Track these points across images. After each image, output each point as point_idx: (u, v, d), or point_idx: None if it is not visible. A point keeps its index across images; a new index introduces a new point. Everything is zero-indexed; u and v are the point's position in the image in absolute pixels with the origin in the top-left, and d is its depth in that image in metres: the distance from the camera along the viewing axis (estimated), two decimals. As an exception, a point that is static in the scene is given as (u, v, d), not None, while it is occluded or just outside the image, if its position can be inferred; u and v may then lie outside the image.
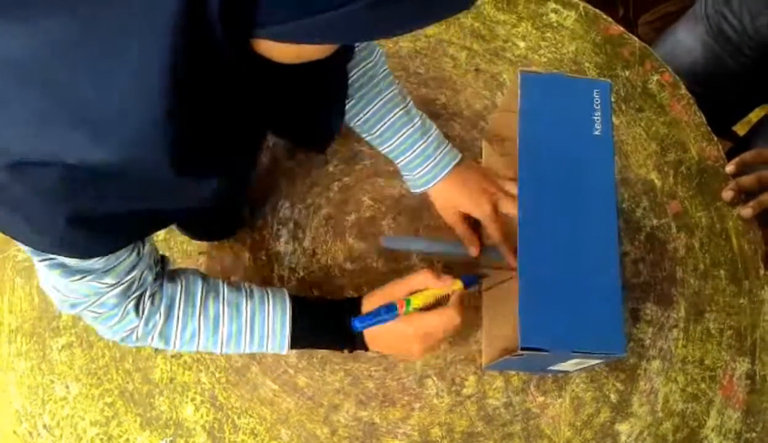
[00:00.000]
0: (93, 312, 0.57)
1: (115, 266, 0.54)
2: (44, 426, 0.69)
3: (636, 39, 0.93)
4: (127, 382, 0.71)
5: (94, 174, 0.41)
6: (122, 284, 0.56)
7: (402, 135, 0.73)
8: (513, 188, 0.76)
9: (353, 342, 0.66)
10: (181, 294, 0.62)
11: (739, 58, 0.98)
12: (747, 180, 0.82)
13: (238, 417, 0.70)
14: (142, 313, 0.60)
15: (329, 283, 0.76)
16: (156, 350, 0.72)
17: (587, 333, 0.59)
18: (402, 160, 0.75)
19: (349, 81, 0.69)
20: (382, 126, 0.73)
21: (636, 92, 0.90)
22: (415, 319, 0.63)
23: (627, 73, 0.91)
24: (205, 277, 0.64)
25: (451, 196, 0.75)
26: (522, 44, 0.91)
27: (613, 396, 0.74)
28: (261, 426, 0.70)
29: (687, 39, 1.03)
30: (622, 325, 0.60)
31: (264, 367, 0.72)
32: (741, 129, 1.21)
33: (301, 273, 0.76)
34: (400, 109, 0.73)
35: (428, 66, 0.89)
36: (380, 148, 0.75)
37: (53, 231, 0.45)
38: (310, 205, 0.80)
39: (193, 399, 0.71)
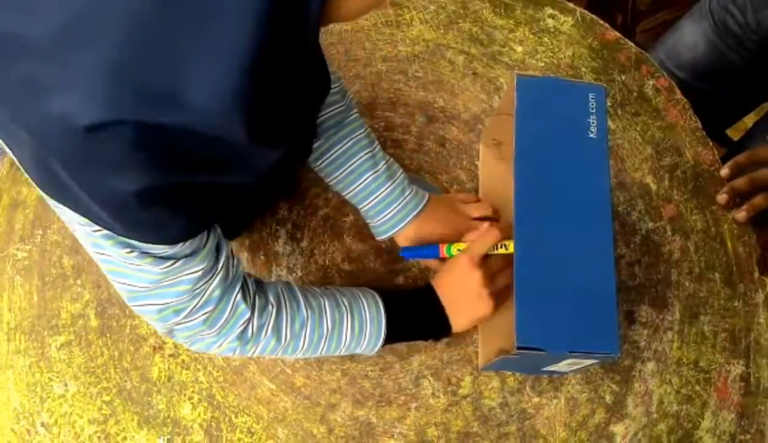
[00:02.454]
0: (202, 313, 0.56)
1: (201, 248, 0.54)
2: (42, 424, 0.69)
3: (632, 44, 0.94)
4: (125, 381, 0.71)
5: (164, 135, 0.40)
6: (218, 271, 0.56)
7: (366, 179, 0.72)
8: (476, 211, 0.77)
9: (441, 322, 0.70)
10: (282, 290, 0.64)
11: (741, 51, 0.99)
12: (740, 182, 0.83)
13: (236, 416, 0.71)
14: (253, 305, 0.60)
15: (327, 284, 0.76)
16: (155, 349, 0.73)
17: (583, 333, 0.60)
18: (365, 206, 0.73)
19: (318, 121, 0.69)
20: (346, 169, 0.72)
21: (632, 97, 0.90)
22: (479, 261, 0.69)
23: (623, 77, 0.92)
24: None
25: (417, 239, 0.74)
26: (519, 49, 0.92)
27: (608, 398, 0.74)
28: (258, 425, 0.70)
29: (690, 35, 1.04)
30: (617, 326, 0.60)
31: (261, 367, 0.73)
32: (735, 135, 1.22)
33: (299, 274, 0.77)
34: (366, 153, 0.72)
35: (426, 69, 0.89)
36: (344, 193, 0.74)
37: (125, 209, 0.45)
38: (309, 206, 0.80)
39: (190, 398, 0.71)
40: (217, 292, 0.56)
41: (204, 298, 0.56)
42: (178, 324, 0.57)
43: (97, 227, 0.48)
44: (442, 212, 0.75)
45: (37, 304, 0.74)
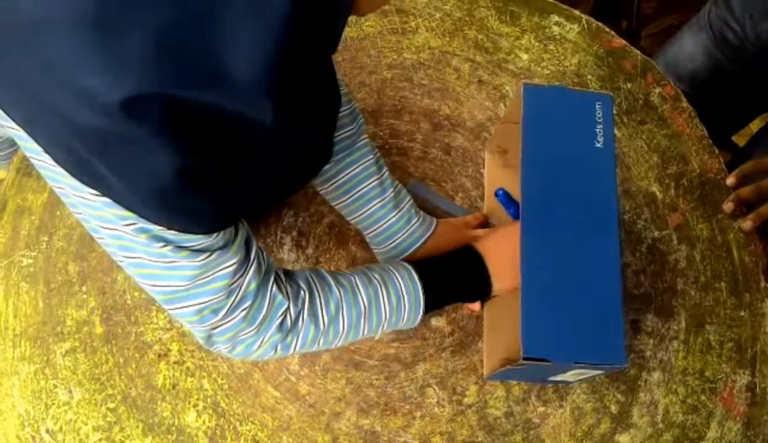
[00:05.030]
0: (240, 310, 0.55)
1: (232, 240, 0.53)
2: (47, 431, 0.69)
3: (638, 52, 0.94)
4: (130, 388, 0.71)
5: (196, 109, 0.40)
6: (251, 263, 0.55)
7: (373, 206, 0.71)
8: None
9: (482, 283, 0.68)
10: (310, 274, 0.62)
11: (740, 63, 0.99)
12: (746, 191, 0.83)
13: (240, 424, 0.70)
14: (288, 293, 0.59)
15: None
16: (160, 356, 0.73)
17: (589, 343, 0.60)
18: (370, 232, 0.73)
19: None
20: (354, 194, 0.71)
21: (638, 105, 0.90)
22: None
23: (629, 85, 0.91)
24: None
25: None
26: (525, 56, 0.92)
27: (613, 407, 0.74)
28: (262, 433, 0.70)
29: (690, 47, 1.04)
30: (623, 336, 0.60)
31: (266, 374, 0.73)
32: (741, 141, 1.22)
33: (304, 281, 0.77)
34: (374, 180, 0.71)
35: (432, 77, 0.89)
36: (349, 218, 0.74)
37: (159, 193, 0.44)
38: (314, 214, 0.80)
39: (195, 406, 0.71)
40: (253, 285, 0.55)
41: (241, 294, 0.55)
42: (218, 326, 0.55)
43: (130, 221, 0.47)
44: (449, 240, 0.74)
45: (42, 311, 0.74)
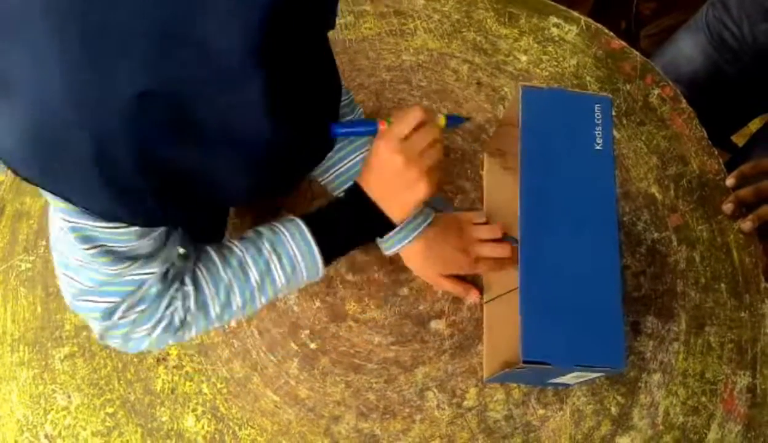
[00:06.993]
0: (133, 312, 0.56)
1: (161, 250, 0.54)
2: (46, 436, 0.69)
3: (637, 53, 0.94)
4: (129, 393, 0.71)
5: (173, 106, 0.40)
6: (162, 271, 0.56)
7: None
8: (486, 233, 0.76)
9: (380, 218, 0.65)
10: (197, 264, 0.62)
11: (737, 65, 0.99)
12: (745, 192, 0.83)
13: (239, 428, 0.70)
14: (178, 292, 0.60)
15: (331, 295, 0.76)
16: (158, 360, 0.72)
17: (588, 346, 0.60)
18: None
19: None
20: None
21: (637, 106, 0.90)
22: (397, 144, 0.62)
23: (628, 87, 0.91)
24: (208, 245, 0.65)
25: (424, 260, 0.73)
26: (523, 58, 0.92)
27: (613, 409, 0.74)
28: (262, 438, 0.70)
29: (687, 48, 1.04)
30: (623, 339, 0.60)
31: (265, 378, 0.72)
32: (740, 141, 1.22)
33: (303, 285, 0.76)
34: None
35: (430, 79, 0.89)
36: None
37: (120, 176, 0.43)
38: (313, 217, 0.80)
39: (194, 410, 0.71)
40: (153, 290, 0.57)
41: (139, 296, 0.56)
42: (115, 324, 0.57)
43: (73, 218, 0.48)
44: (449, 232, 0.74)
45: (40, 316, 0.74)
